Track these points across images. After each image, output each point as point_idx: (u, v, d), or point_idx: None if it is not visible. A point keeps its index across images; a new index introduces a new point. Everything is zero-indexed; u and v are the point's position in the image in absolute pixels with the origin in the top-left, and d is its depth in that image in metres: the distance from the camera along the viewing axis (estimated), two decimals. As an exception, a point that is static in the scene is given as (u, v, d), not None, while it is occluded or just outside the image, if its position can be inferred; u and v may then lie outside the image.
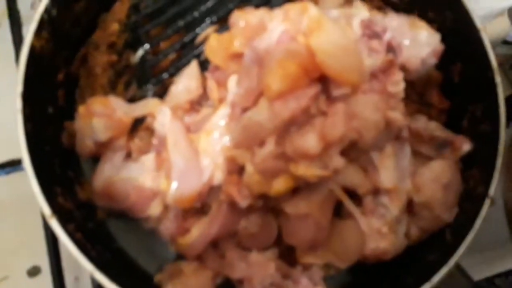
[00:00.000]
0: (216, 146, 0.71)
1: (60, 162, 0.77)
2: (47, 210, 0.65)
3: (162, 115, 0.73)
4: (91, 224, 0.78)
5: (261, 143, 0.66)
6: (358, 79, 0.64)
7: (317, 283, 0.76)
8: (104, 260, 0.70)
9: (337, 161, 0.66)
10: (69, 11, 0.80)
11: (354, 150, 0.71)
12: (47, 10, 0.74)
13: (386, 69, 0.72)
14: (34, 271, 0.85)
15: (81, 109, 0.76)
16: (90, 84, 0.84)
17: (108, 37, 0.84)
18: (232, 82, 0.70)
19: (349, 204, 0.75)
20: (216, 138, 0.71)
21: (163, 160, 0.71)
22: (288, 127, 0.66)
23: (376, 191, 0.76)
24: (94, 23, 0.86)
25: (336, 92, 0.64)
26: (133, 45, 0.83)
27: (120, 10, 0.85)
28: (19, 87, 0.69)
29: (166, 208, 0.73)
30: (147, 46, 0.81)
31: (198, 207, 0.73)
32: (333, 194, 0.73)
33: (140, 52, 0.81)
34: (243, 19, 0.69)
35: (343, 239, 0.75)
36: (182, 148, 0.70)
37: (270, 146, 0.65)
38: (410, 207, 0.78)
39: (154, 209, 0.72)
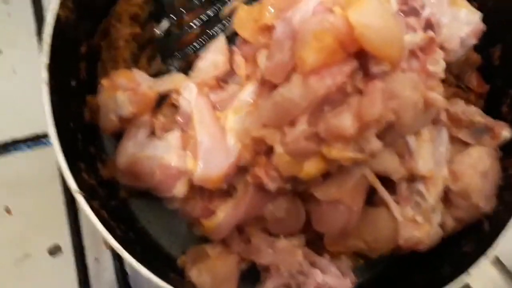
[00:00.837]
0: (244, 125, 0.68)
1: (82, 137, 0.75)
2: (73, 185, 0.63)
3: (188, 91, 0.70)
4: (114, 202, 0.76)
5: (292, 122, 0.63)
6: (399, 55, 0.60)
7: (345, 273, 0.73)
8: (128, 239, 0.68)
9: (374, 144, 0.62)
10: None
11: (390, 133, 0.67)
12: (71, -20, 0.71)
13: (426, 47, 0.67)
14: (55, 250, 0.84)
15: (105, 82, 0.73)
16: (112, 58, 0.81)
17: (131, 8, 0.81)
18: (262, 56, 0.66)
19: (382, 191, 0.71)
20: (243, 116, 0.68)
21: (189, 138, 0.68)
22: (322, 106, 0.62)
23: (412, 178, 0.72)
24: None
25: (374, 69, 0.60)
26: (157, 17, 0.80)
27: (145, -20, 0.81)
28: (44, 58, 0.67)
29: (192, 188, 0.70)
30: (172, 18, 0.78)
31: (224, 188, 0.70)
32: (365, 179, 0.70)
33: (164, 24, 0.78)
34: (276, -12, 0.65)
35: (375, 227, 0.72)
36: (208, 126, 0.67)
37: (302, 126, 0.61)
38: (446, 196, 0.74)
39: (180, 189, 0.69)
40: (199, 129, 0.66)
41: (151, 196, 0.74)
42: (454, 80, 0.86)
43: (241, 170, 0.70)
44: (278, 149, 0.64)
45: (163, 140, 0.70)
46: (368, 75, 0.62)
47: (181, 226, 0.77)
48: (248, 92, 0.69)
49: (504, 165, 0.75)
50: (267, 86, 0.66)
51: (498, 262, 0.70)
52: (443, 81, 0.84)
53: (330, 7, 0.61)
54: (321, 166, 0.64)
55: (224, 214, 0.68)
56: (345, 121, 0.60)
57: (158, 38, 0.79)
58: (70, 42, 0.74)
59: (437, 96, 0.67)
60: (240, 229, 0.73)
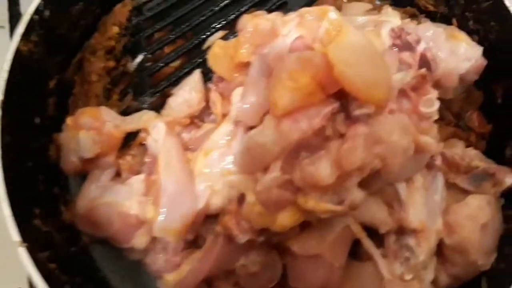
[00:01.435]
0: (215, 169, 0.61)
1: (45, 178, 0.69)
2: (16, 237, 0.57)
3: (156, 130, 0.64)
4: (74, 248, 0.70)
5: (265, 169, 0.56)
6: (384, 96, 0.54)
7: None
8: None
9: (356, 195, 0.55)
10: (65, 13, 0.73)
11: (376, 181, 0.60)
12: (38, 11, 0.68)
13: (418, 85, 0.61)
14: None
15: (69, 120, 0.68)
16: (84, 92, 0.76)
17: (106, 41, 0.77)
18: (236, 95, 0.61)
19: (368, 245, 0.64)
20: (215, 159, 0.62)
21: (153, 182, 0.62)
22: (297, 152, 0.56)
23: (401, 231, 0.64)
24: (93, 27, 0.79)
25: (357, 111, 0.54)
26: (133, 51, 0.75)
27: (121, 12, 0.77)
28: (0, 95, 0.62)
29: (154, 238, 0.64)
30: (148, 51, 0.73)
31: (190, 239, 0.63)
32: (349, 231, 0.63)
33: (139, 58, 0.73)
34: (252, 23, 0.60)
35: (359, 284, 0.64)
36: (175, 169, 0.61)
37: (274, 173, 0.55)
38: (440, 251, 0.66)
39: (140, 240, 0.63)
40: (164, 172, 0.60)
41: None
42: (454, 119, 0.80)
43: (210, 219, 0.64)
44: (250, 197, 0.58)
45: (126, 184, 0.64)
46: (350, 118, 0.56)
47: (147, 277, 0.70)
48: (222, 133, 0.63)
49: (506, 216, 0.67)
50: (241, 127, 0.60)
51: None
52: (442, 119, 0.79)
53: (309, 43, 0.55)
54: (296, 217, 0.58)
55: (189, 268, 0.61)
56: (323, 169, 0.53)
57: (131, 72, 0.74)
58: (36, 77, 0.70)
59: (430, 140, 0.61)
60: (209, 284, 0.66)
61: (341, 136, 0.56)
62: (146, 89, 0.71)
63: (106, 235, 0.64)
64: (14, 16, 0.92)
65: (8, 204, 0.56)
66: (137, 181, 0.64)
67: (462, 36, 0.73)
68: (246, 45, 0.60)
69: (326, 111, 0.53)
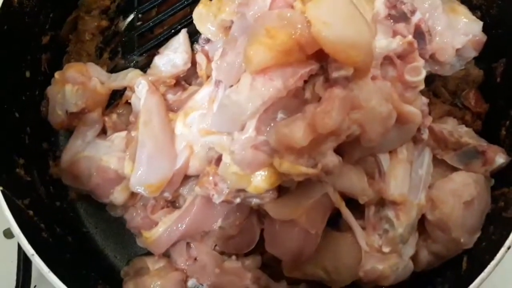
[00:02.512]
0: (194, 129, 0.61)
1: (32, 131, 0.71)
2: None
3: (139, 88, 0.64)
4: (59, 203, 0.71)
5: (242, 129, 0.56)
6: (363, 59, 0.52)
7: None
8: (57, 243, 0.63)
9: (330, 159, 0.54)
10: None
11: (357, 149, 0.59)
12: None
13: (405, 53, 0.59)
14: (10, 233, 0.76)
15: (57, 74, 0.68)
16: (77, 51, 0.77)
17: (101, 1, 0.77)
18: (217, 55, 0.60)
19: (347, 214, 0.63)
20: (195, 119, 0.62)
21: (132, 139, 0.62)
22: (274, 112, 0.55)
23: (381, 202, 0.63)
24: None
25: (335, 73, 0.53)
26: (125, 11, 0.75)
27: (117, -30, 0.77)
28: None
29: (134, 195, 0.64)
30: (139, 11, 0.73)
31: (169, 198, 0.64)
32: (328, 199, 0.62)
33: (130, 18, 0.73)
34: (235, -18, 0.59)
35: (337, 255, 0.63)
36: (155, 127, 0.61)
37: (249, 132, 0.54)
38: (422, 226, 0.65)
39: (118, 195, 0.64)
40: (143, 129, 0.61)
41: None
42: (450, 97, 0.78)
43: (191, 179, 0.64)
44: (226, 158, 0.57)
45: (107, 140, 0.64)
46: (329, 81, 0.54)
47: (129, 235, 0.71)
48: (204, 93, 0.63)
49: (494, 195, 0.65)
50: (221, 87, 0.60)
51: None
52: (437, 96, 0.77)
53: (291, 1, 0.54)
54: (272, 180, 0.57)
55: (165, 226, 0.62)
56: (297, 130, 0.52)
57: (121, 32, 0.74)
58: (26, 31, 0.70)
59: (415, 110, 0.59)
60: (187, 244, 0.66)
61: (320, 100, 0.55)
62: (134, 48, 0.71)
63: (87, 188, 0.65)
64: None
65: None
66: (118, 138, 0.65)
67: (462, 10, 0.70)
68: (229, 4, 0.59)
69: (303, 71, 0.52)
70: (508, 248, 0.57)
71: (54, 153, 0.75)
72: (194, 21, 0.64)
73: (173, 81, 0.67)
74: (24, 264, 0.67)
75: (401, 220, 0.62)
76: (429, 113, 0.67)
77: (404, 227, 0.62)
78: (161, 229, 0.62)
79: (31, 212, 0.61)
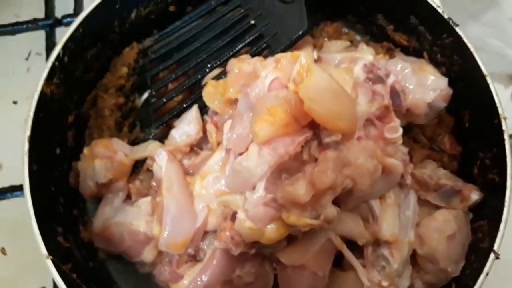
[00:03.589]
0: (210, 190, 0.71)
1: (65, 201, 0.80)
2: (44, 250, 0.66)
3: (159, 158, 0.74)
4: (91, 263, 0.79)
5: (252, 189, 0.66)
6: (348, 126, 0.63)
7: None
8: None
9: (330, 211, 0.64)
10: (80, 58, 0.84)
11: (351, 199, 0.69)
12: (58, 58, 0.78)
13: (382, 115, 0.70)
14: None
15: (86, 150, 0.78)
16: (98, 125, 0.87)
17: (117, 80, 0.88)
18: (227, 127, 0.71)
19: (349, 255, 0.72)
20: (210, 182, 0.71)
21: (157, 204, 0.71)
22: (279, 174, 0.65)
23: (377, 242, 0.73)
24: (106, 67, 0.90)
25: (326, 139, 0.63)
26: (140, 88, 0.86)
27: (129, 55, 0.89)
28: (27, 132, 0.72)
29: (160, 253, 0.73)
30: (153, 88, 0.84)
31: (192, 253, 0.72)
32: (332, 244, 0.71)
33: (145, 95, 0.84)
34: (237, 66, 0.70)
35: (343, 293, 0.72)
36: (176, 191, 0.71)
37: (259, 192, 0.64)
38: (415, 260, 0.74)
39: (148, 254, 0.72)
40: (167, 195, 0.70)
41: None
42: (428, 142, 0.88)
43: (209, 234, 0.73)
44: (241, 214, 0.67)
45: (135, 206, 0.73)
46: (322, 145, 0.65)
47: (156, 288, 0.79)
48: (216, 159, 0.73)
49: (474, 228, 0.75)
50: (232, 154, 0.70)
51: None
52: (417, 142, 0.88)
53: (284, 83, 0.65)
54: (281, 231, 0.66)
55: (190, 279, 0.70)
56: (300, 188, 0.62)
57: (139, 107, 0.85)
58: (57, 114, 0.80)
59: (396, 162, 0.70)
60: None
61: (316, 160, 0.65)
62: (151, 122, 0.81)
63: (119, 250, 0.74)
64: (50, 44, 1.06)
65: (35, 223, 0.66)
66: (144, 203, 0.74)
67: (430, 68, 0.82)
68: (233, 85, 0.70)
69: (300, 139, 0.63)
70: (487, 274, 0.66)
71: (83, 218, 0.83)
72: (203, 98, 0.75)
73: (188, 149, 0.78)
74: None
75: (395, 257, 0.71)
76: (411, 160, 0.77)
77: (398, 262, 0.71)
78: (186, 281, 0.70)
79: (74, 275, 0.69)
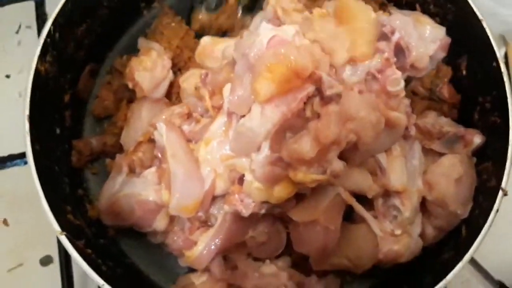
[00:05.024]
0: (216, 155, 0.71)
1: (69, 181, 0.80)
2: (57, 227, 0.66)
3: (159, 128, 0.73)
4: (102, 240, 0.79)
5: (258, 150, 0.66)
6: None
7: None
8: (114, 275, 0.71)
9: (336, 165, 0.64)
10: (71, 34, 0.82)
11: (357, 154, 0.69)
12: (50, 34, 0.77)
13: (384, 68, 0.69)
14: (46, 261, 0.87)
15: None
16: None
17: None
18: (226, 90, 0.70)
19: (359, 208, 0.73)
20: (215, 147, 0.71)
21: (164, 171, 0.71)
22: (283, 132, 0.65)
23: (387, 194, 0.73)
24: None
25: (328, 91, 0.63)
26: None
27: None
28: (26, 111, 0.71)
29: (172, 221, 0.73)
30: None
31: (203, 218, 0.72)
32: (340, 198, 0.71)
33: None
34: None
35: (356, 244, 0.73)
36: (181, 158, 0.70)
37: (265, 152, 0.64)
38: (424, 207, 0.75)
39: (160, 223, 0.72)
40: (172, 162, 0.69)
41: (138, 232, 0.77)
42: (427, 93, 0.88)
43: (218, 199, 0.73)
44: (248, 176, 0.67)
45: (141, 177, 0.73)
46: (324, 99, 0.65)
47: (169, 258, 0.79)
48: (218, 124, 0.72)
49: (478, 170, 0.76)
50: (234, 117, 0.69)
51: (471, 260, 0.70)
52: (416, 94, 0.88)
53: (284, 39, 0.65)
54: (290, 189, 0.67)
55: (204, 244, 0.70)
56: (305, 145, 0.62)
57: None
58: (52, 93, 0.79)
59: (400, 115, 0.69)
60: (225, 256, 0.75)
61: (319, 116, 0.65)
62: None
63: (130, 223, 0.74)
64: (40, 16, 1.04)
65: (45, 201, 0.66)
66: (150, 173, 0.73)
67: (426, 19, 0.81)
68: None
69: (302, 95, 0.62)
70: (497, 211, 0.67)
71: (88, 197, 0.83)
72: (196, 56, 0.74)
73: (185, 113, 0.76)
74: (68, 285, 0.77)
75: (406, 206, 0.72)
76: (412, 112, 0.77)
77: (409, 211, 0.72)
78: (200, 247, 0.71)
79: (89, 251, 0.69)
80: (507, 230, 0.86)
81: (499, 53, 0.74)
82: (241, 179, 0.69)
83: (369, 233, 0.74)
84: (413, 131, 0.75)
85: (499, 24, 1.04)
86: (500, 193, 0.67)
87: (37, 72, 0.74)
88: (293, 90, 0.62)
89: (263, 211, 0.69)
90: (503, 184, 0.68)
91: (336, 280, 0.77)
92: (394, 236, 0.73)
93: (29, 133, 0.70)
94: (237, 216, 0.71)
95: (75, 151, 0.82)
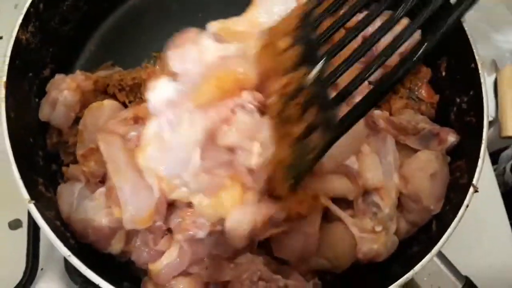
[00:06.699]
0: (153, 164, 0.65)
1: (43, 154, 0.78)
2: (26, 195, 0.65)
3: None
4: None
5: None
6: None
7: (308, 278, 0.73)
8: (82, 248, 0.69)
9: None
10: (56, 7, 0.81)
11: (324, 165, 0.68)
12: (33, 4, 0.76)
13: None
14: (15, 224, 0.85)
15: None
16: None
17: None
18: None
19: (334, 209, 0.72)
20: (151, 156, 0.65)
21: (111, 188, 0.67)
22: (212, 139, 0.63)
23: (366, 191, 0.74)
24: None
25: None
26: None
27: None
28: (3, 77, 0.70)
29: (130, 239, 0.70)
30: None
31: (164, 228, 0.69)
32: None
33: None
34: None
35: (333, 244, 0.72)
36: (123, 171, 0.66)
37: (195, 160, 0.62)
38: (398, 202, 0.75)
39: (115, 246, 0.69)
40: (116, 178, 0.66)
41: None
42: (406, 92, 0.90)
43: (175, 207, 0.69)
44: (194, 200, 0.64)
45: (93, 200, 0.69)
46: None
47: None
48: (150, 128, 0.67)
49: (452, 169, 0.77)
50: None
51: (440, 254, 0.72)
52: (396, 93, 0.90)
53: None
54: (237, 193, 0.63)
55: (167, 262, 0.68)
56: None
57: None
58: (32, 64, 0.78)
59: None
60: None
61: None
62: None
63: (87, 242, 0.70)
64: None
65: (16, 168, 0.65)
66: (101, 195, 0.69)
67: (402, 20, 0.82)
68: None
69: (234, 104, 0.62)
70: (467, 206, 0.68)
71: (61, 173, 0.81)
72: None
73: (128, 119, 0.72)
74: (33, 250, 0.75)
75: (385, 202, 0.72)
76: (391, 110, 0.80)
77: (389, 206, 0.72)
78: (164, 263, 0.68)
79: (58, 223, 0.68)
80: (476, 227, 0.88)
81: (485, 79, 0.75)
82: (188, 205, 0.67)
83: (346, 232, 0.73)
84: (381, 124, 0.76)
85: (492, 49, 1.05)
86: (471, 189, 0.69)
87: (17, 40, 0.72)
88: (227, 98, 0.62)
89: (219, 227, 0.65)
90: (474, 181, 0.69)
91: (314, 276, 0.75)
92: (375, 234, 0.72)
93: (4, 100, 0.68)
94: (194, 240, 0.67)
95: (52, 130, 0.80)
